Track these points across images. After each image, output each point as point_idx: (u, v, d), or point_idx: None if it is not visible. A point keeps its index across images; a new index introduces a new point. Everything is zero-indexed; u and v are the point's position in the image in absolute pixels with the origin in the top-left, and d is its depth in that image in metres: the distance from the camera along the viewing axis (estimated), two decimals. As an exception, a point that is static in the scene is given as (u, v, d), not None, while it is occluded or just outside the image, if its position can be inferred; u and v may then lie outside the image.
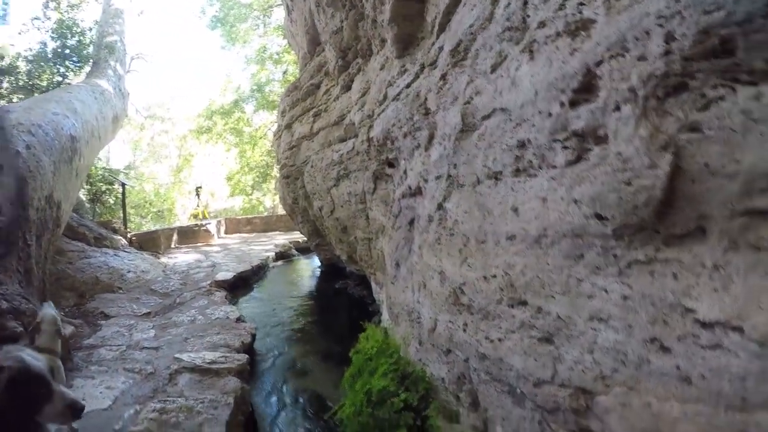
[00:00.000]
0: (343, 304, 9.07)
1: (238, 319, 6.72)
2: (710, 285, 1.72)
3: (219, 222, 21.39)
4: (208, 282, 9.71)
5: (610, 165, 2.04)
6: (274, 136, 13.58)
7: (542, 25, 2.45)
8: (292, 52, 19.86)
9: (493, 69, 2.87)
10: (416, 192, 4.05)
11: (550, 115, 2.39)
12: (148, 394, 4.15)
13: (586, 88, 2.20)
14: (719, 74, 1.72)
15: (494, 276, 2.74)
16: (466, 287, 3.00)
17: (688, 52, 1.77)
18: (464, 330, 2.99)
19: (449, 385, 3.14)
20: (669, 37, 1.82)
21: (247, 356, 5.17)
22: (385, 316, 5.32)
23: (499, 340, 2.68)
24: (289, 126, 11.10)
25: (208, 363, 4.75)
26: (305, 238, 13.78)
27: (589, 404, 2.15)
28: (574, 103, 2.25)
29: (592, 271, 2.16)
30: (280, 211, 28.40)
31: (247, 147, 31.47)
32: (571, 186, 2.25)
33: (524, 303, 2.54)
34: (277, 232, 22.38)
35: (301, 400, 4.91)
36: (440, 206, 3.48)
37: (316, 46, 9.47)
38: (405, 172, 4.34)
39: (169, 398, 4.02)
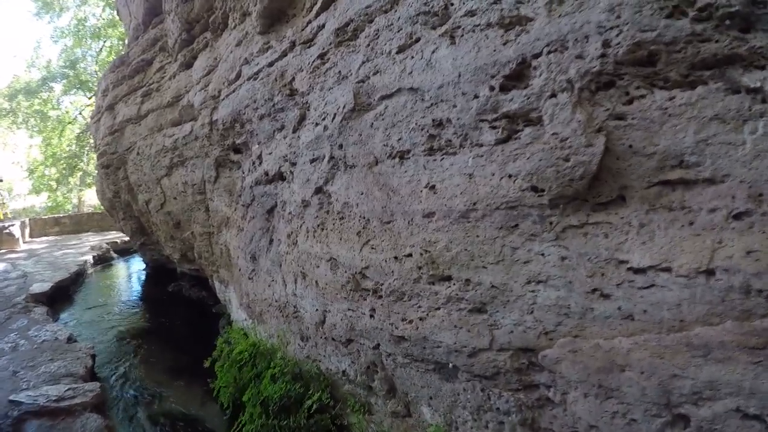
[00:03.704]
0: (180, 308, 7.34)
1: (70, 339, 5.02)
2: (639, 239, 1.83)
3: (23, 224, 15.92)
4: (23, 296, 7.13)
5: (547, 143, 1.97)
6: (92, 118, 9.79)
7: (471, 14, 2.20)
8: (120, 26, 15.20)
9: (401, 50, 2.46)
10: (276, 177, 3.17)
11: (476, 97, 2.17)
12: (-4, 461, 2.97)
13: (517, 76, 2.09)
14: (642, 78, 1.86)
15: (409, 255, 2.33)
16: (370, 271, 2.47)
17: (621, 57, 1.85)
18: (371, 316, 2.46)
19: (357, 377, 2.53)
20: (606, 44, 1.87)
21: (98, 384, 3.83)
22: (239, 315, 4.07)
23: (421, 319, 2.29)
24: (111, 107, 8.02)
25: (55, 401, 3.37)
26: (126, 238, 11.21)
27: (533, 361, 2.03)
28: (504, 88, 2.10)
29: (527, 238, 2.04)
30: (89, 208, 23.07)
31: (53, 134, 22.99)
32: (504, 162, 2.08)
33: (448, 278, 2.23)
34: (90, 233, 17.63)
35: (168, 425, 3.51)
36: (320, 190, 2.80)
37: (153, 17, 6.94)
38: (260, 156, 3.35)
39: (25, 458, 2.88)
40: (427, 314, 2.27)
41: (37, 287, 7.78)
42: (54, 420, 3.14)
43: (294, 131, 3.03)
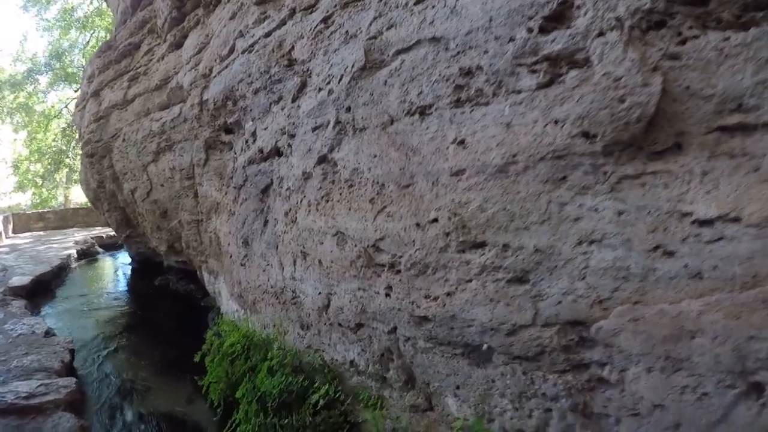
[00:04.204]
0: (167, 302, 7.00)
1: (47, 333, 4.82)
2: (702, 189, 1.64)
3: (6, 218, 15.60)
4: (1, 290, 6.89)
5: (598, 84, 1.77)
6: (77, 106, 9.62)
7: (501, -48, 2.02)
8: (108, 16, 15.27)
9: (419, 0, 2.23)
10: (272, 153, 2.85)
11: (512, 40, 1.96)
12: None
13: (557, 17, 1.90)
14: (693, 18, 1.72)
15: (435, 220, 2.04)
16: (386, 242, 2.16)
17: (672, -5, 1.73)
18: (387, 295, 2.12)
19: (369, 367, 2.16)
20: (655, -19, 1.74)
21: (74, 380, 3.54)
22: (229, 306, 3.64)
23: (448, 294, 1.99)
24: (96, 93, 7.70)
25: (24, 398, 3.10)
26: (111, 233, 11.01)
27: (583, 336, 1.76)
28: (544, 29, 1.91)
29: (577, 192, 1.81)
30: (74, 204, 22.90)
31: (38, 128, 22.37)
32: (548, 108, 1.86)
33: (482, 244, 1.96)
34: (75, 228, 17.15)
35: (152, 424, 3.15)
36: (324, 158, 2.47)
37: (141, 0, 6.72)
38: (254, 133, 3.01)
39: (-13, 459, 2.77)
40: (457, 288, 1.97)
41: (17, 280, 7.52)
42: (22, 419, 2.83)
43: (293, 101, 2.72)
